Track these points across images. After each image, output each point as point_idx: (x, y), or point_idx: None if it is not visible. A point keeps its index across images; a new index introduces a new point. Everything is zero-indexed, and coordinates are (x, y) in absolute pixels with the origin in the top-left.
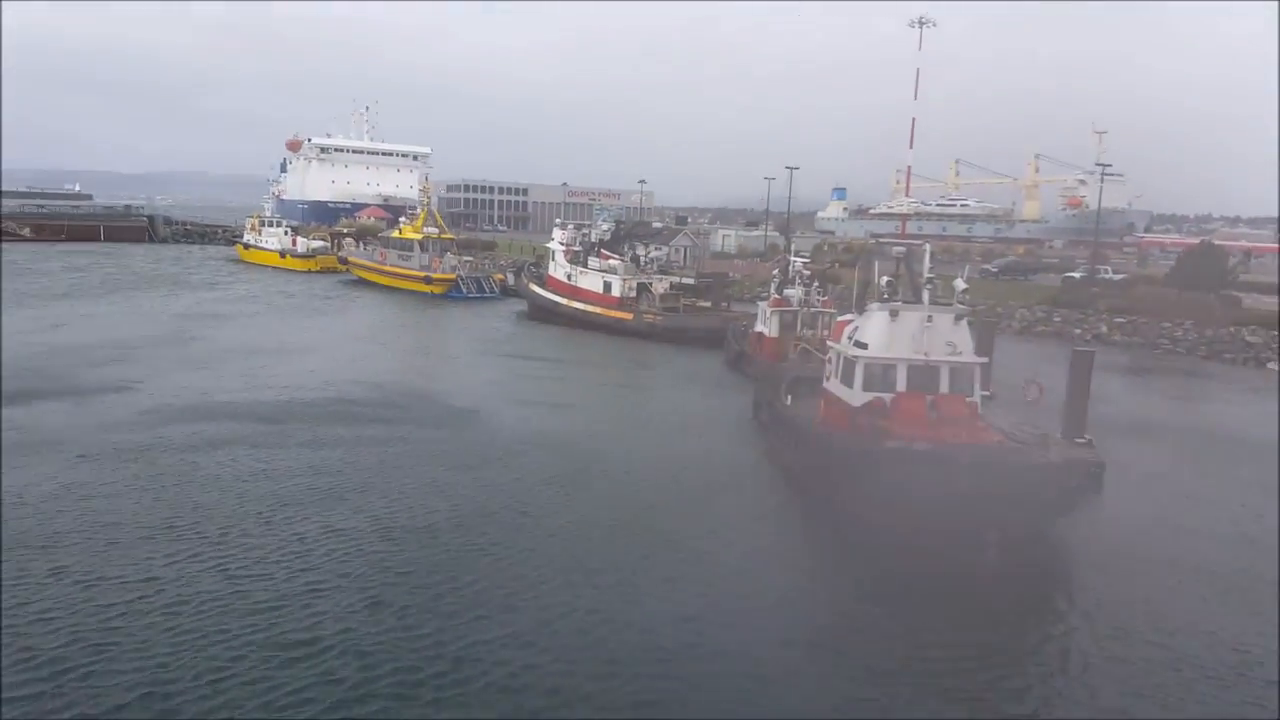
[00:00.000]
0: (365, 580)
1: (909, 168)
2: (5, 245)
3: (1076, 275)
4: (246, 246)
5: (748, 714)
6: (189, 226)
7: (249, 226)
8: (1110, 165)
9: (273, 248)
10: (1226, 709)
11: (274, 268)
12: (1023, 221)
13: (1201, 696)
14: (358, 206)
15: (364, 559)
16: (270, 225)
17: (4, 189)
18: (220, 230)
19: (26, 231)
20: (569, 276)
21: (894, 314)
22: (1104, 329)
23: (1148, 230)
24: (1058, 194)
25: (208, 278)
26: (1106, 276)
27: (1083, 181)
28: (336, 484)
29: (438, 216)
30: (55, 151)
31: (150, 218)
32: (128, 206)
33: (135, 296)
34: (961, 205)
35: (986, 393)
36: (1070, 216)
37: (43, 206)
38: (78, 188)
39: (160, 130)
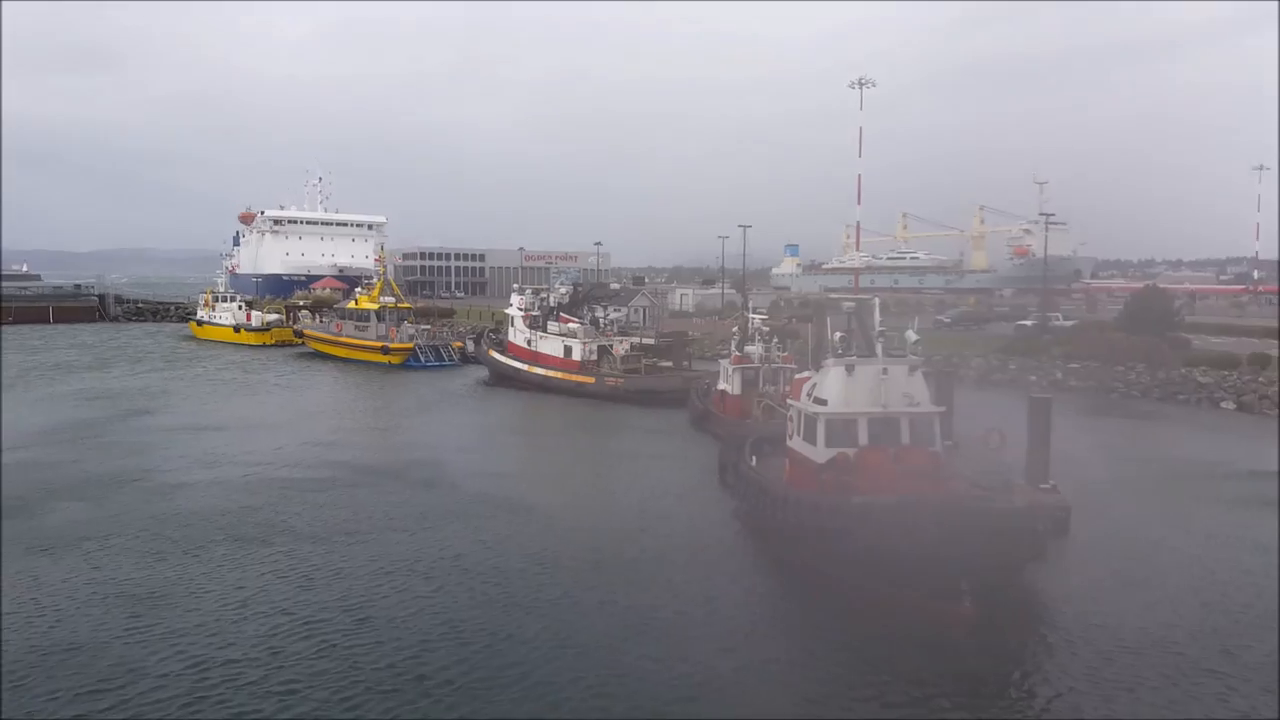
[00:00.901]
0: (341, 679)
1: (858, 223)
2: None
3: (1029, 323)
4: (200, 323)
5: None
6: (141, 304)
7: (202, 302)
8: (1053, 214)
9: (226, 323)
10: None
11: (229, 343)
12: (972, 272)
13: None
14: (313, 278)
15: (340, 655)
16: (224, 300)
17: None
18: (173, 307)
19: None
20: (529, 342)
21: (850, 369)
22: (1059, 375)
23: (1094, 276)
24: (1004, 244)
25: (162, 356)
26: (1058, 323)
27: (1027, 231)
28: (310, 573)
29: (394, 285)
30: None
31: (100, 297)
32: (78, 286)
33: (87, 378)
34: (911, 258)
35: (949, 442)
36: (1018, 265)
37: None
38: (25, 268)
39: (110, 206)
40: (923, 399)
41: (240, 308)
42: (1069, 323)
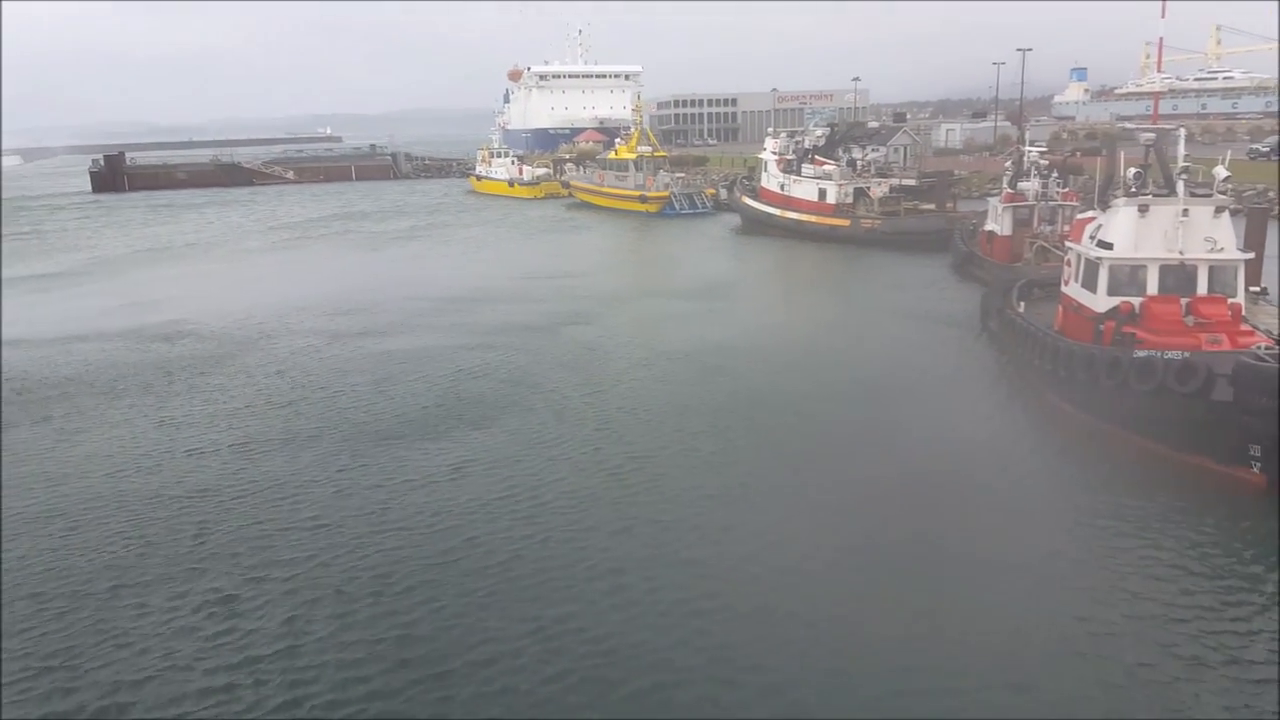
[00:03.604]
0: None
1: (1160, 39)
2: (275, 187)
3: None
4: (479, 178)
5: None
6: (427, 161)
7: (480, 158)
8: None
9: (501, 177)
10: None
11: (505, 196)
12: None
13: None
14: (576, 131)
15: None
16: (498, 156)
17: (264, 136)
18: (454, 164)
19: (290, 174)
20: (782, 186)
21: (1143, 209)
22: None
23: None
24: None
25: (453, 208)
26: None
27: None
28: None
29: (650, 135)
30: (304, 97)
31: (393, 155)
32: (373, 146)
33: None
34: (1224, 78)
35: (1257, 288)
36: None
37: (301, 150)
38: (329, 130)
39: (386, 67)
40: (1227, 244)
41: (512, 162)
42: None
